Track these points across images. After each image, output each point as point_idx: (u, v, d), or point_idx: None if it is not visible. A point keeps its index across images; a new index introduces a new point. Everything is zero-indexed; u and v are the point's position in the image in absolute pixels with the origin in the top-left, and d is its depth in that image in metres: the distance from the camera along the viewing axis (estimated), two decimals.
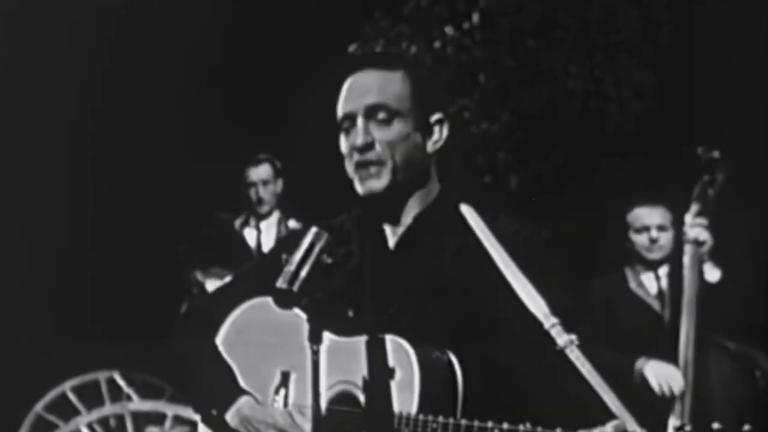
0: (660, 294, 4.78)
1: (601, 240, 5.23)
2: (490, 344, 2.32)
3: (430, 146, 2.42)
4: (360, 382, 2.28)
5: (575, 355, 2.20)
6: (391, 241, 2.43)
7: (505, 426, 2.17)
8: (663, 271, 4.80)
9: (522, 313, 2.26)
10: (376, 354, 2.27)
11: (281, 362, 2.45)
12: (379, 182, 2.37)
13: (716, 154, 4.65)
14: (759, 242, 5.13)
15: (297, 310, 2.26)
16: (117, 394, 5.61)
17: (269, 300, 2.40)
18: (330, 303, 2.25)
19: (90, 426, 5.33)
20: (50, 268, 6.30)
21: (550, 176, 6.64)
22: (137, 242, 6.43)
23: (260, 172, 5.92)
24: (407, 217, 2.43)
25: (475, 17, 6.68)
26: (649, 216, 4.80)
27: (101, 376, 5.63)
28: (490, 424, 2.18)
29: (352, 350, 2.29)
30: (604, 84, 6.75)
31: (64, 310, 6.24)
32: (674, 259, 4.69)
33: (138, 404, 5.45)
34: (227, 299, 2.59)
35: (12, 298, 6.05)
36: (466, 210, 2.42)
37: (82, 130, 6.36)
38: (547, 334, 2.23)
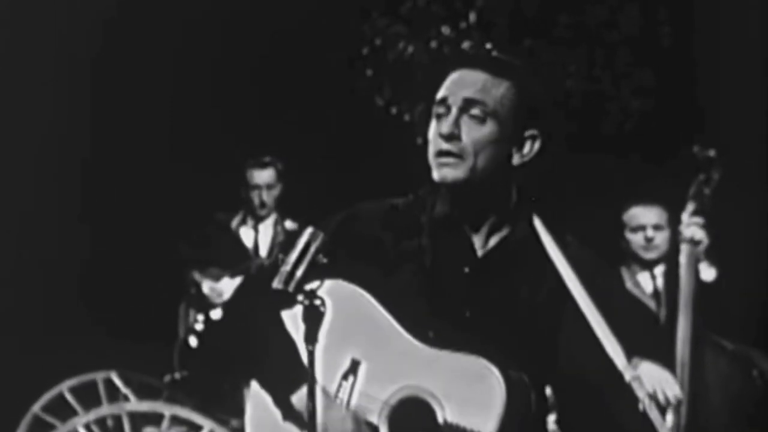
0: (656, 293, 4.78)
1: (597, 239, 5.22)
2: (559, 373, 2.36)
3: (517, 159, 2.39)
4: (436, 391, 2.28)
5: (654, 415, 2.23)
6: (480, 251, 2.41)
7: None
8: (659, 270, 4.80)
9: (597, 355, 2.29)
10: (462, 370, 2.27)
11: (352, 349, 2.39)
12: (456, 173, 2.33)
13: (712, 152, 4.64)
14: (755, 241, 5.14)
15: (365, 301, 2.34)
16: (114, 395, 5.59)
17: (347, 286, 2.40)
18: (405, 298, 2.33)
19: (87, 426, 5.31)
20: (48, 269, 6.30)
21: (548, 174, 6.63)
22: (135, 243, 6.42)
23: (265, 175, 5.81)
24: (488, 226, 2.41)
25: (472, 17, 6.68)
26: (644, 215, 4.80)
27: (98, 376, 5.61)
28: None
29: (433, 359, 2.30)
30: (602, 83, 6.74)
31: (61, 310, 6.23)
32: (670, 258, 4.69)
33: (135, 404, 5.43)
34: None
35: (8, 299, 6.05)
36: (542, 233, 2.41)
37: (78, 129, 6.35)
38: (627, 385, 2.26)
